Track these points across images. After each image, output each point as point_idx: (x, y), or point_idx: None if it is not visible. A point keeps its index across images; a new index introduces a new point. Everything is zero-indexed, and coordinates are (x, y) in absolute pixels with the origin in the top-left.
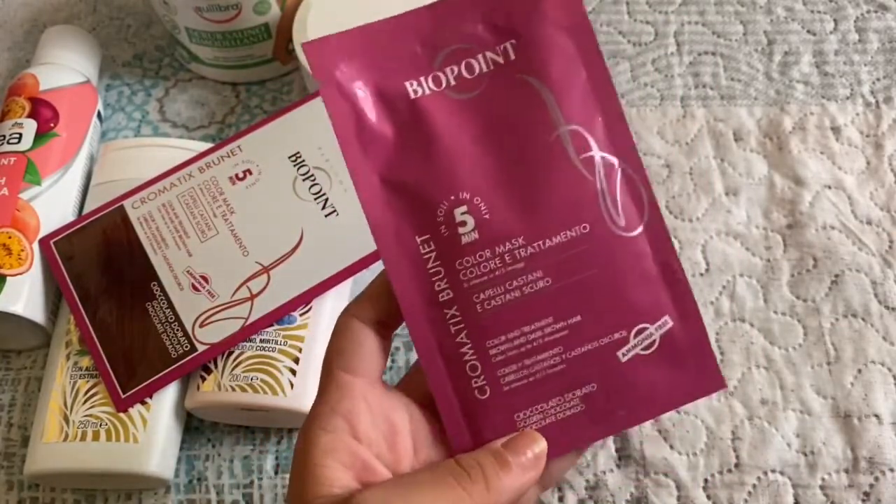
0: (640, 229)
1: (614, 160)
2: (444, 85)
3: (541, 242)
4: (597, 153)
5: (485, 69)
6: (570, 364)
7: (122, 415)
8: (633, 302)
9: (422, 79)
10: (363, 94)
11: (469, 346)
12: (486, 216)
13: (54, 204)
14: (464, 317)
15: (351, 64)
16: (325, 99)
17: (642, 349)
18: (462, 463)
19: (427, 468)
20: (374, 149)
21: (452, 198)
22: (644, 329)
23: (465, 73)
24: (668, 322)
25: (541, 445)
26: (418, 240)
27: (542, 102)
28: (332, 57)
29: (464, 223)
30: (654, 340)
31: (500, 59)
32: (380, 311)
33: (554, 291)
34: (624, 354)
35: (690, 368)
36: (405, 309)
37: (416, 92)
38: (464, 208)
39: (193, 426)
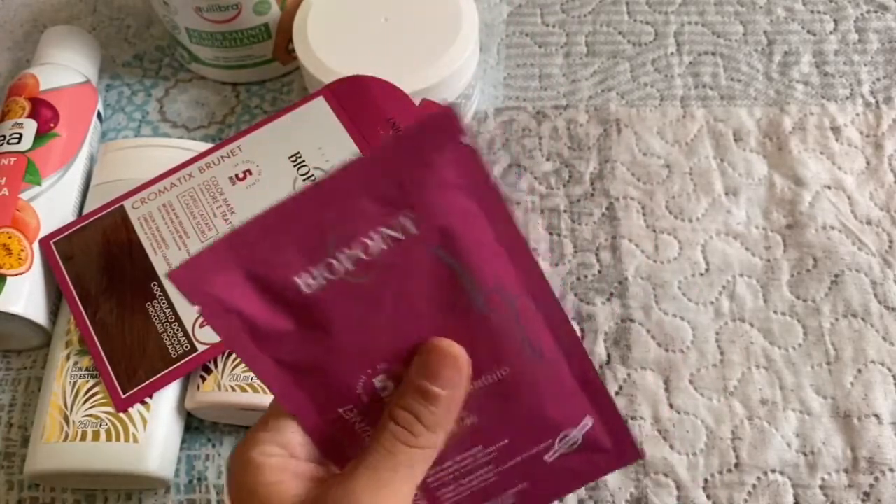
0: (555, 352)
1: (531, 301)
2: (341, 272)
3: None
4: (512, 302)
5: (384, 247)
6: (501, 475)
7: (122, 415)
8: (556, 416)
9: (313, 270)
10: (249, 301)
11: None
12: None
13: (54, 204)
14: None
15: (229, 275)
16: (206, 318)
17: (566, 448)
18: (400, 421)
19: (374, 445)
20: (272, 346)
21: (370, 371)
22: (567, 434)
23: (361, 255)
24: (588, 422)
25: (451, 353)
26: (340, 410)
27: (453, 274)
28: (205, 275)
29: (385, 388)
30: (577, 440)
31: (400, 235)
32: None
33: (481, 426)
34: (550, 457)
35: (610, 448)
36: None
37: (309, 286)
38: (382, 377)
39: (193, 426)
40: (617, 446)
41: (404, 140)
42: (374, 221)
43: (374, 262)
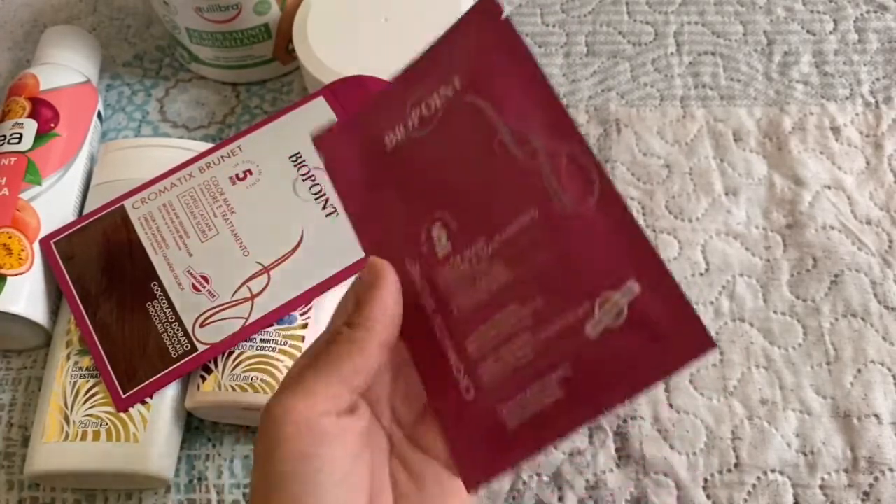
0: (591, 204)
1: (557, 144)
2: (410, 127)
3: (497, 236)
4: (538, 142)
5: (439, 104)
6: (539, 351)
7: (122, 414)
8: (591, 274)
9: (395, 128)
10: (355, 155)
11: (452, 349)
12: (454, 226)
13: (55, 204)
14: (446, 323)
15: (348, 136)
16: (327, 166)
17: (611, 320)
18: (351, 336)
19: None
20: (365, 196)
21: (429, 219)
22: (607, 298)
23: (424, 112)
24: (633, 287)
25: (375, 262)
26: (408, 264)
27: (484, 114)
28: (335, 137)
29: (439, 239)
30: (622, 309)
31: (449, 93)
32: None
33: (514, 279)
34: (592, 328)
35: (670, 334)
36: (403, 330)
37: (391, 142)
38: (438, 225)
39: (193, 426)
40: (678, 330)
41: (460, 23)
42: (435, 85)
43: (431, 116)
